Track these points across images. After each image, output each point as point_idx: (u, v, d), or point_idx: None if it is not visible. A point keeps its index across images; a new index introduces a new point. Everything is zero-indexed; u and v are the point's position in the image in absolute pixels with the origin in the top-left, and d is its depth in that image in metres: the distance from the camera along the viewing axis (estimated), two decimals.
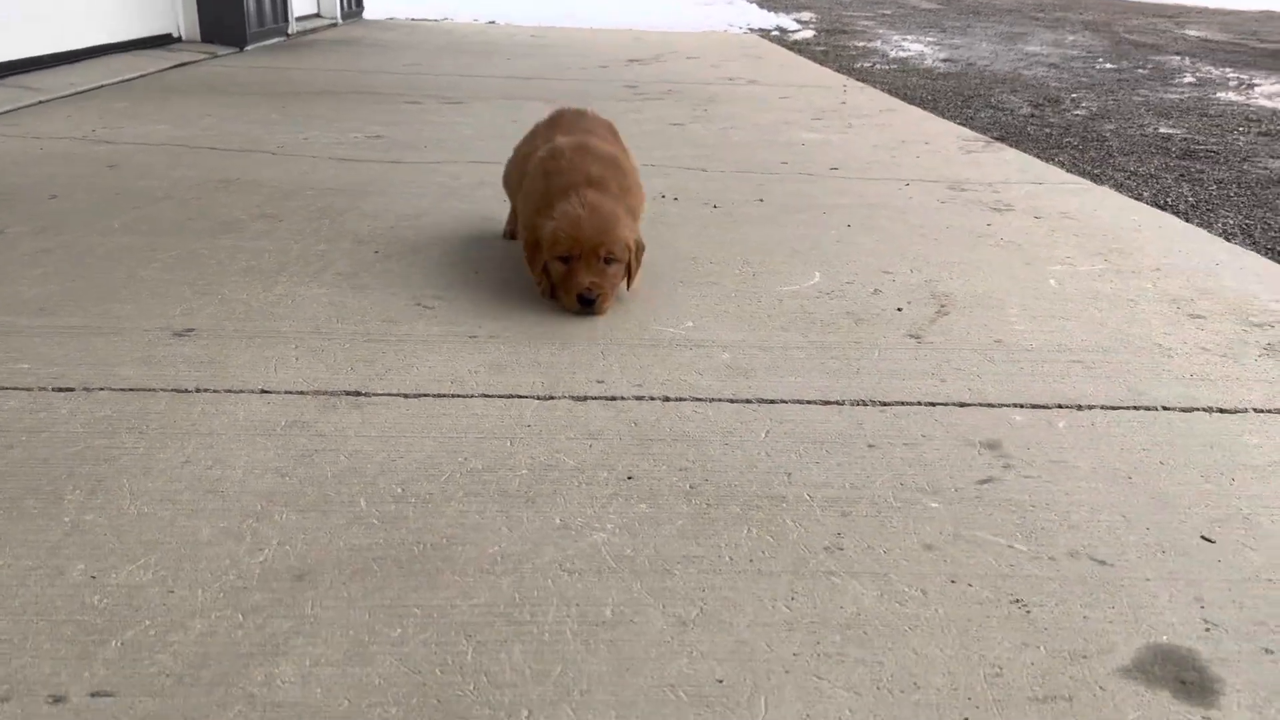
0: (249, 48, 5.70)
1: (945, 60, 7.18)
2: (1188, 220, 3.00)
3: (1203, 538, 1.14)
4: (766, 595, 1.03)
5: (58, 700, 0.85)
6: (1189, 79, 6.85)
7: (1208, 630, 0.99)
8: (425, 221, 2.35)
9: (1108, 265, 2.19)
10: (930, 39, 8.87)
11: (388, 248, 2.14)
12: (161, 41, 5.32)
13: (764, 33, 8.96)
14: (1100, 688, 0.91)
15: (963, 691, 0.90)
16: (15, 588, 1.00)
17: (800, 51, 7.32)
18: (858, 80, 5.64)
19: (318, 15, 7.46)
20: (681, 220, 2.46)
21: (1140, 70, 7.22)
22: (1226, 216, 3.18)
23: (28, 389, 1.41)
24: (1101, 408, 1.48)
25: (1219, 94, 6.21)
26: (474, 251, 2.14)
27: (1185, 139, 4.60)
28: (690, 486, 1.23)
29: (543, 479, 1.24)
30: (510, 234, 2.23)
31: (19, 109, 3.59)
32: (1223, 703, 0.90)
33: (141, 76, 4.45)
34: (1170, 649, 0.96)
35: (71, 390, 1.41)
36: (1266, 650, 0.97)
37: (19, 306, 1.72)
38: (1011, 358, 1.66)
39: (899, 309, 1.87)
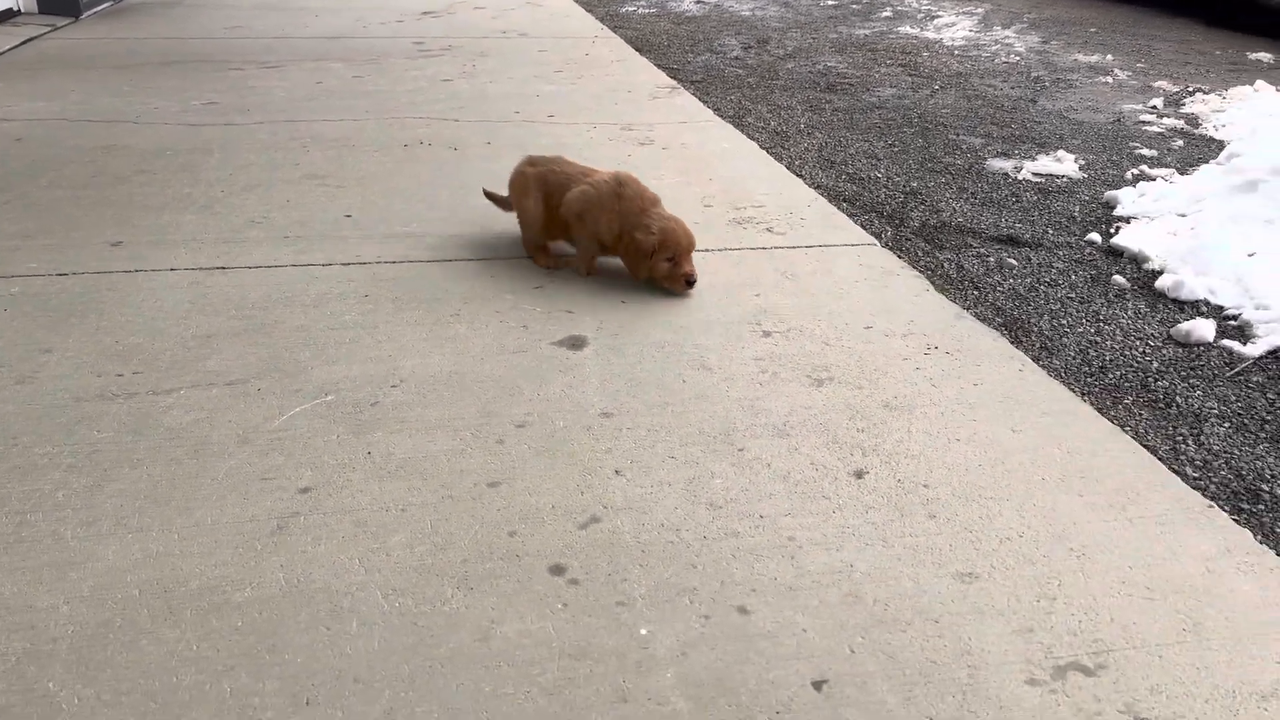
0: (84, 15, 6.53)
1: (698, 3, 8.58)
2: (787, 142, 4.52)
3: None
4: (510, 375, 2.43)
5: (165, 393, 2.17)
6: (887, 13, 8.45)
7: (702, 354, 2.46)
8: (253, 169, 3.59)
9: (685, 179, 3.65)
10: None
11: (229, 188, 3.39)
12: (4, 16, 6.13)
13: None
14: (637, 412, 2.36)
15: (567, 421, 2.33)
16: (72, 340, 2.29)
17: None
18: (611, 29, 6.97)
19: None
20: (429, 158, 3.78)
21: (854, 6, 8.80)
22: (816, 136, 4.70)
23: (44, 275, 2.66)
24: None
25: (901, 28, 7.80)
26: (286, 187, 3.41)
27: (840, 73, 6.13)
28: (458, 302, 2.61)
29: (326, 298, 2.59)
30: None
31: None
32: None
33: (1, 54, 5.36)
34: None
35: (66, 275, 2.66)
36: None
37: (12, 236, 2.91)
38: None
39: None
